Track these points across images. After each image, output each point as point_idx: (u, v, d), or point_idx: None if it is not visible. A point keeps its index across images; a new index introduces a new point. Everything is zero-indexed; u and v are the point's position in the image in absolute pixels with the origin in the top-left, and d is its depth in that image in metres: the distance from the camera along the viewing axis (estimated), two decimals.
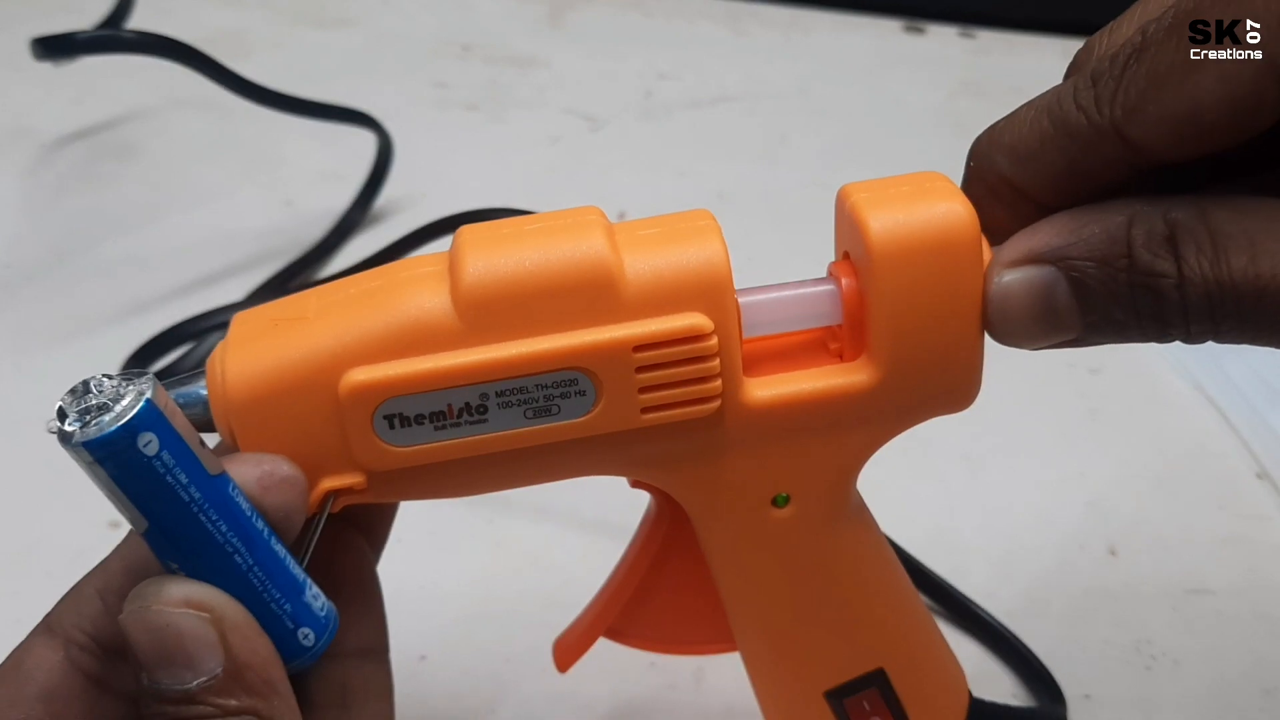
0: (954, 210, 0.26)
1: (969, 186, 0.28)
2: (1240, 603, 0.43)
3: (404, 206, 0.65)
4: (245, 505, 0.23)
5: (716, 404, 0.26)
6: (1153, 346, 0.55)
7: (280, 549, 0.24)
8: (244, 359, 0.25)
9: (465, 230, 0.26)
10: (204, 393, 0.25)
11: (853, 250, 0.27)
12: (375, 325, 0.25)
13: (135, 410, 0.21)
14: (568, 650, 0.33)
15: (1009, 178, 0.26)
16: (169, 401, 0.22)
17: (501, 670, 0.40)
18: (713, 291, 0.25)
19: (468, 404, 0.25)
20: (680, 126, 0.75)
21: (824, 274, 0.28)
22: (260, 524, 0.24)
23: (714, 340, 0.25)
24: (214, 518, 0.22)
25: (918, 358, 0.26)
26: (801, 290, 0.27)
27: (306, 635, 0.24)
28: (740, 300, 0.26)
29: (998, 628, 0.41)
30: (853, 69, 0.82)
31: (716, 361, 0.25)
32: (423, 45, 0.84)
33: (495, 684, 0.40)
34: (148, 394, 0.21)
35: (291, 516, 0.24)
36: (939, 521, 0.46)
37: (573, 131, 0.74)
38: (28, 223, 0.65)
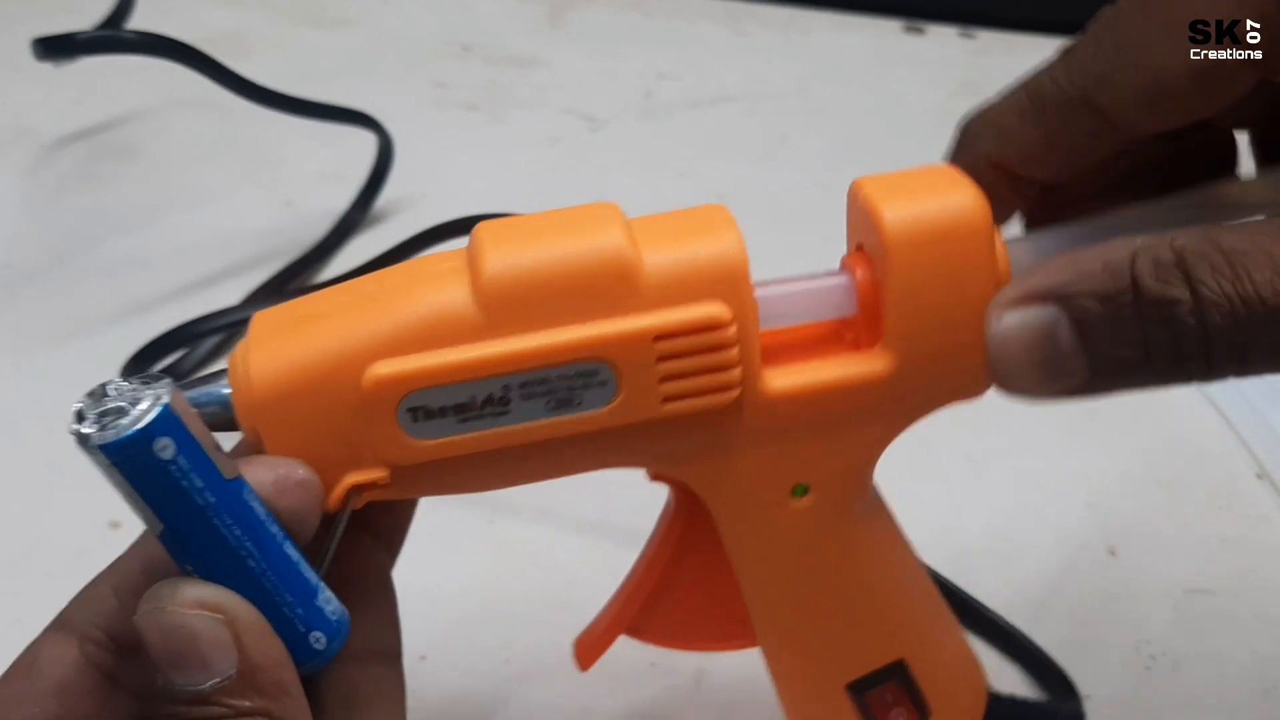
0: (966, 200, 0.26)
1: (953, 164, 0.28)
2: (1240, 603, 0.43)
3: (404, 207, 0.66)
4: (260, 509, 0.23)
5: (736, 393, 0.26)
6: None
7: (294, 553, 0.24)
8: (267, 357, 0.25)
9: (484, 226, 0.26)
10: (226, 392, 0.25)
11: (866, 242, 0.27)
12: (397, 320, 0.25)
13: (152, 415, 0.21)
14: (589, 649, 0.33)
15: (990, 154, 0.27)
16: (186, 406, 0.22)
17: (502, 670, 0.40)
18: (730, 282, 0.26)
19: (491, 396, 0.25)
20: (680, 126, 0.75)
21: (836, 267, 0.28)
22: (274, 528, 0.24)
23: (733, 329, 0.25)
24: (228, 521, 0.23)
25: (933, 346, 0.27)
26: (817, 282, 0.28)
27: (318, 639, 0.24)
28: (756, 293, 0.26)
29: (1007, 627, 0.41)
30: (852, 69, 0.82)
31: (736, 350, 0.26)
32: (423, 45, 0.84)
33: (495, 684, 0.40)
34: (165, 399, 0.21)
35: (306, 520, 0.25)
36: (940, 522, 0.46)
37: (573, 131, 0.74)
38: (28, 223, 0.65)
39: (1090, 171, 0.26)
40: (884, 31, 0.86)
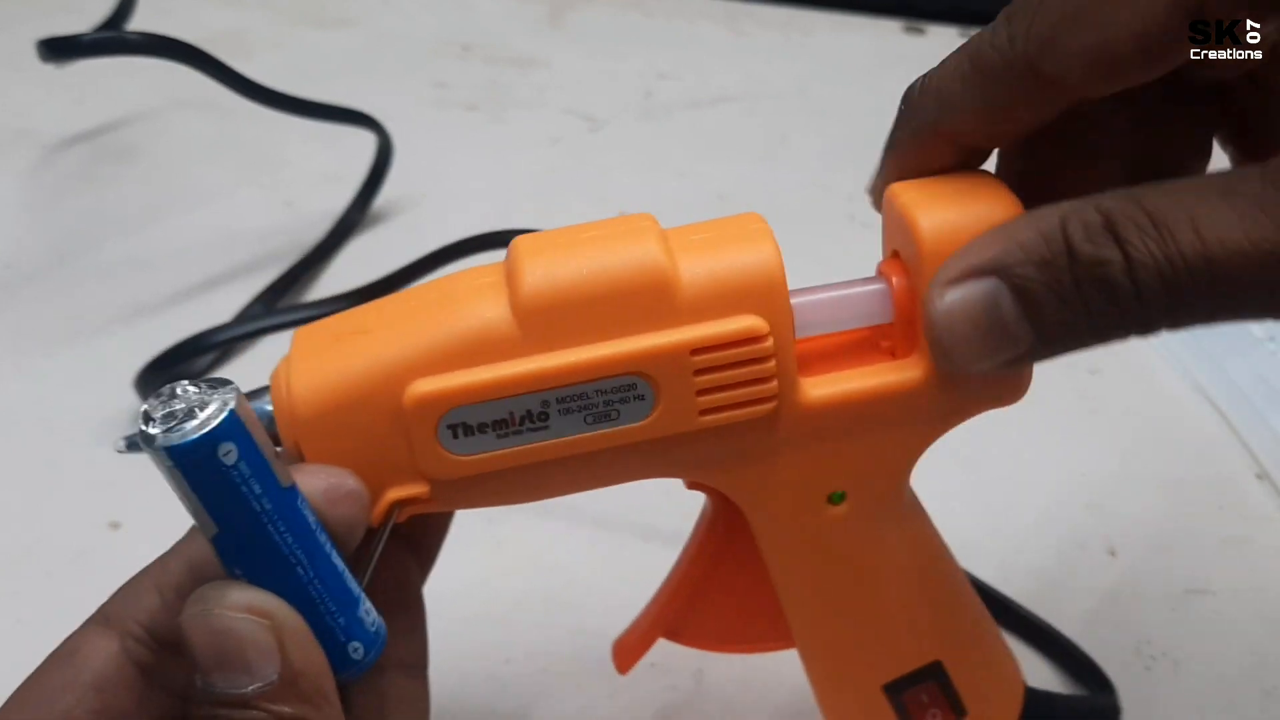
0: (1002, 208, 0.26)
1: (896, 132, 0.28)
2: (1240, 603, 0.43)
3: (404, 207, 0.66)
4: (311, 518, 0.24)
5: (773, 404, 0.26)
6: (1151, 345, 0.55)
7: (339, 563, 0.24)
8: (309, 373, 0.25)
9: (521, 240, 0.27)
10: (269, 408, 0.26)
11: (903, 249, 0.27)
12: (436, 336, 0.25)
13: (219, 420, 0.21)
14: (628, 651, 0.33)
15: (934, 122, 0.26)
16: (250, 413, 0.22)
17: (502, 670, 0.40)
18: (767, 293, 0.26)
19: (529, 411, 0.25)
20: (680, 127, 0.75)
21: (873, 272, 0.28)
22: (323, 537, 0.24)
23: (770, 342, 0.26)
24: (282, 529, 0.23)
25: None
26: (853, 290, 0.28)
27: (356, 649, 0.24)
28: (792, 301, 0.27)
29: (1041, 625, 0.41)
30: (852, 69, 0.82)
31: (773, 362, 0.26)
32: (423, 45, 0.84)
33: (496, 684, 0.40)
34: (231, 404, 0.22)
35: (354, 530, 0.25)
36: (939, 521, 0.46)
37: (573, 132, 0.74)
38: (29, 223, 0.65)
39: (1018, 135, 0.26)
40: (884, 31, 0.86)
